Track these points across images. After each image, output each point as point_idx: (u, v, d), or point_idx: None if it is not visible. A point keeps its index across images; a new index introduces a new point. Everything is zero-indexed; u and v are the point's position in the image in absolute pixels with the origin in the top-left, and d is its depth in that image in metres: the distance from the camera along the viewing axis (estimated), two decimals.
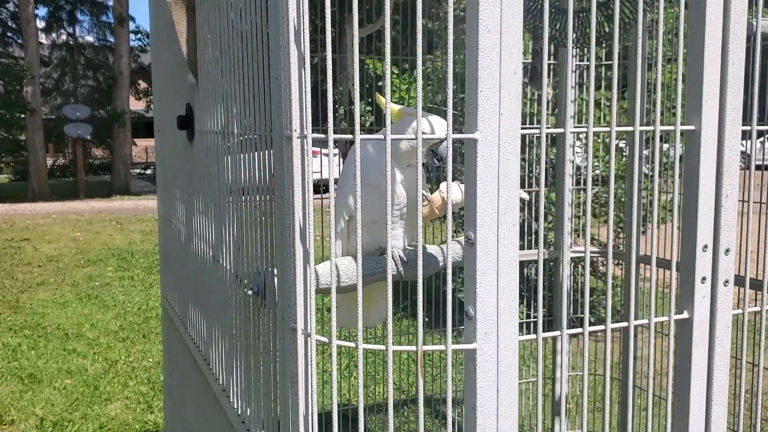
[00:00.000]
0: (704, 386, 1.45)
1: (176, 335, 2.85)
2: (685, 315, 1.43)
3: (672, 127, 1.37)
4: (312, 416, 1.38)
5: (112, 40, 26.97)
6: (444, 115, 1.51)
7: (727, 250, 1.43)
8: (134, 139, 29.69)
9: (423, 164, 1.72)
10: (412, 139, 1.51)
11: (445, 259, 1.76)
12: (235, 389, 1.93)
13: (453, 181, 1.70)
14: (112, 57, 26.32)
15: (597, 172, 5.49)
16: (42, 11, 28.42)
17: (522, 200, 3.65)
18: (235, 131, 1.72)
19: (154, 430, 5.03)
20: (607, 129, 1.33)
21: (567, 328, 1.35)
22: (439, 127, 1.65)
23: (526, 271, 5.18)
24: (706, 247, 1.41)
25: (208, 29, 1.96)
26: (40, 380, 5.98)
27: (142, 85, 30.35)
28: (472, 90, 1.22)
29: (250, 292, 1.57)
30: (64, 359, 6.52)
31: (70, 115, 23.35)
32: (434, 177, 2.66)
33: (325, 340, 1.34)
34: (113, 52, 26.00)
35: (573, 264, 4.18)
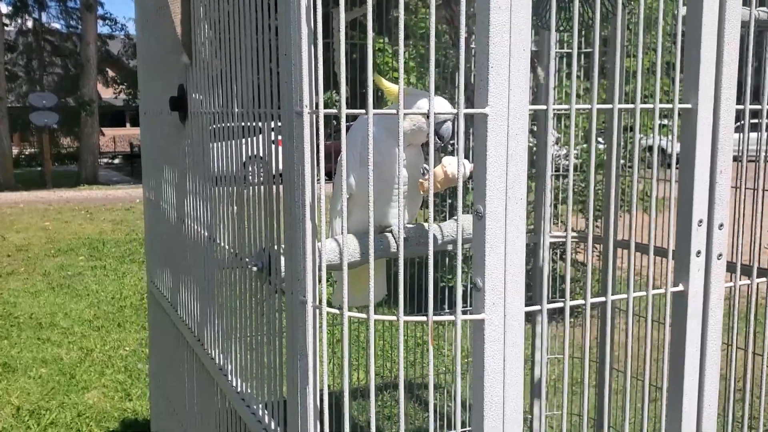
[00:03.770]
0: (698, 357, 1.51)
1: (164, 319, 2.85)
2: (680, 288, 1.48)
3: (670, 105, 1.41)
4: (321, 390, 1.40)
5: (79, 26, 26.51)
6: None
7: (721, 225, 1.48)
8: (102, 129, 29.25)
9: (423, 144, 1.75)
10: (424, 113, 1.53)
11: (443, 237, 1.79)
12: (233, 368, 1.94)
13: (453, 156, 1.73)
14: (80, 44, 25.87)
15: (576, 161, 5.56)
16: None
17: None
18: (236, 110, 1.73)
19: (134, 418, 5.01)
20: (590, 106, 1.36)
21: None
22: (442, 107, 1.68)
23: None
24: (701, 222, 1.46)
25: (204, 9, 1.97)
26: (14, 369, 5.91)
27: (110, 73, 29.93)
28: (482, 66, 1.25)
29: (254, 269, 1.59)
30: (38, 348, 6.45)
31: (37, 103, 22.90)
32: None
33: (336, 311, 1.37)
34: (81, 39, 25.57)
35: (551, 250, 4.24)
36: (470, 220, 1.81)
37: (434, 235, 1.80)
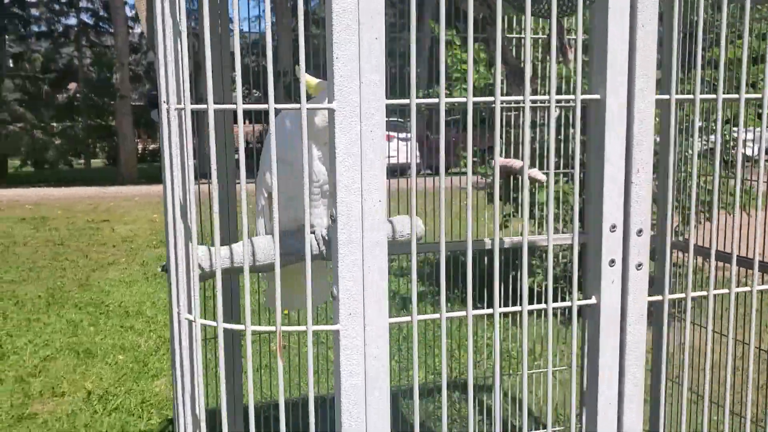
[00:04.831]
0: (615, 380, 1.34)
1: None
2: (592, 300, 1.33)
3: (572, 96, 1.25)
4: (200, 409, 1.33)
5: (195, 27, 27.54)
6: None
7: (640, 231, 1.31)
8: None
9: None
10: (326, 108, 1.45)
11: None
12: None
13: None
14: (198, 43, 26.88)
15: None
16: None
17: (538, 181, 3.51)
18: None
19: None
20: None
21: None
22: None
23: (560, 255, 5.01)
24: (614, 227, 1.30)
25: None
26: (94, 355, 6.21)
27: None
28: (329, 57, 1.15)
29: (160, 269, 1.55)
30: (120, 336, 6.75)
31: (157, 102, 24.03)
32: None
33: (213, 323, 1.30)
34: (198, 38, 26.58)
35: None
36: (406, 222, 1.71)
37: None
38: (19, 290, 8.13)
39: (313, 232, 1.66)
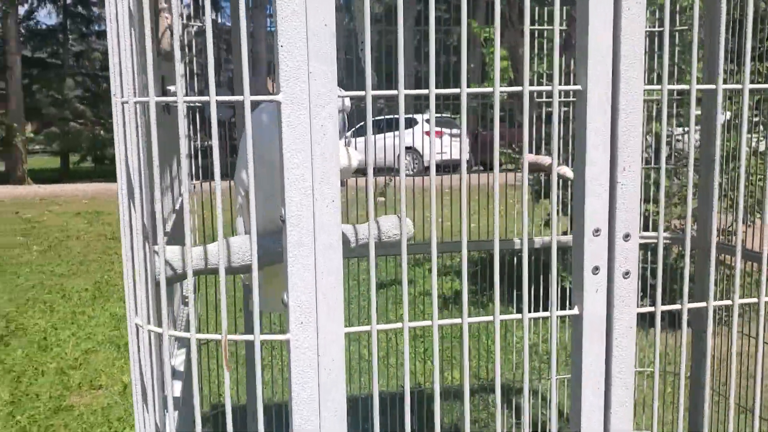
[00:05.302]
0: (601, 397, 1.22)
1: None
2: (575, 311, 1.21)
3: (548, 88, 1.14)
4: (155, 414, 1.27)
5: (251, 24, 27.90)
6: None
7: (627, 236, 1.19)
8: None
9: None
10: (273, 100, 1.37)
11: (357, 239, 1.61)
12: None
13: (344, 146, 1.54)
14: (252, 41, 27.22)
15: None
16: None
17: (566, 178, 3.36)
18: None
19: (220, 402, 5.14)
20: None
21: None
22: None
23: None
24: (597, 231, 1.18)
25: None
26: None
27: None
28: (276, 45, 1.06)
29: None
30: None
31: None
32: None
33: (159, 330, 1.23)
34: (253, 37, 26.92)
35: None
36: (393, 222, 1.61)
37: (346, 237, 1.61)
38: (68, 283, 8.29)
39: None
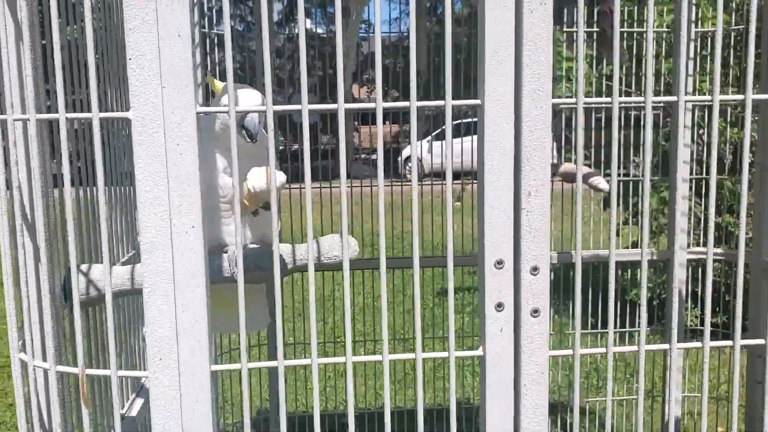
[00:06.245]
0: None
1: None
2: (479, 352, 1.07)
3: (475, 102, 1.01)
4: None
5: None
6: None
7: (535, 269, 1.04)
8: (356, 126, 30.86)
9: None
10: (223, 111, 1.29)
11: (295, 260, 1.51)
12: None
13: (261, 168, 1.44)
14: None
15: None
16: (278, 6, 30.42)
17: (599, 190, 3.17)
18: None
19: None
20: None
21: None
22: (247, 99, 1.40)
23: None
24: (500, 263, 1.04)
25: None
26: None
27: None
28: (127, 59, 0.98)
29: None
30: None
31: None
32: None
33: (46, 365, 1.15)
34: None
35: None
36: (335, 242, 1.51)
37: (282, 257, 1.51)
38: None
39: (225, 252, 1.49)
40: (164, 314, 1.01)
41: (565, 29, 3.91)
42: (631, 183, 4.20)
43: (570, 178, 3.27)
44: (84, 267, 1.45)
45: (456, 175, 5.32)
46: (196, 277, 1.01)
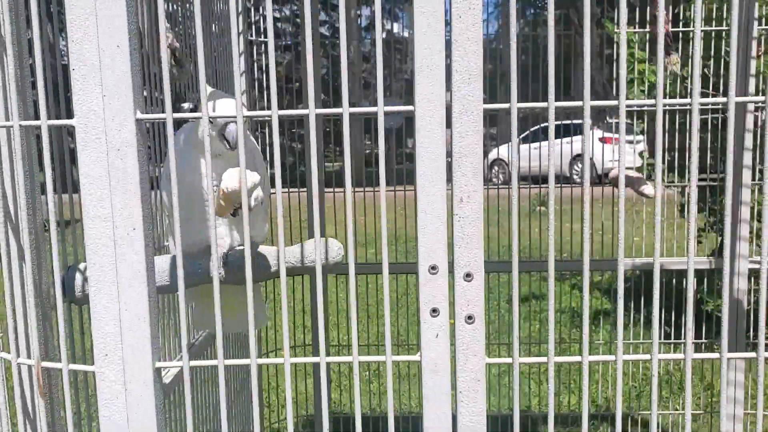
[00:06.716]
0: None
1: None
2: (416, 357, 1.08)
3: (409, 108, 1.02)
4: None
5: None
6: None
7: (468, 275, 1.03)
8: None
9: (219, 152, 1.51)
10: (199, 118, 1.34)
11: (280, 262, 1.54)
12: None
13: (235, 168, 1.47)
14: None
15: None
16: (366, 11, 30.80)
17: (646, 196, 3.08)
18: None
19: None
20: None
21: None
22: (223, 107, 1.44)
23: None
24: (434, 268, 1.04)
25: None
26: None
27: None
28: (71, 69, 1.03)
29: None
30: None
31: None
32: None
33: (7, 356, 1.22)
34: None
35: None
36: (319, 245, 1.53)
37: (267, 258, 1.54)
38: None
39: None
40: (109, 311, 1.06)
41: (636, 29, 3.80)
42: (707, 188, 4.03)
43: (628, 182, 3.18)
44: (81, 265, 1.52)
45: (537, 180, 5.23)
46: (138, 277, 1.05)
